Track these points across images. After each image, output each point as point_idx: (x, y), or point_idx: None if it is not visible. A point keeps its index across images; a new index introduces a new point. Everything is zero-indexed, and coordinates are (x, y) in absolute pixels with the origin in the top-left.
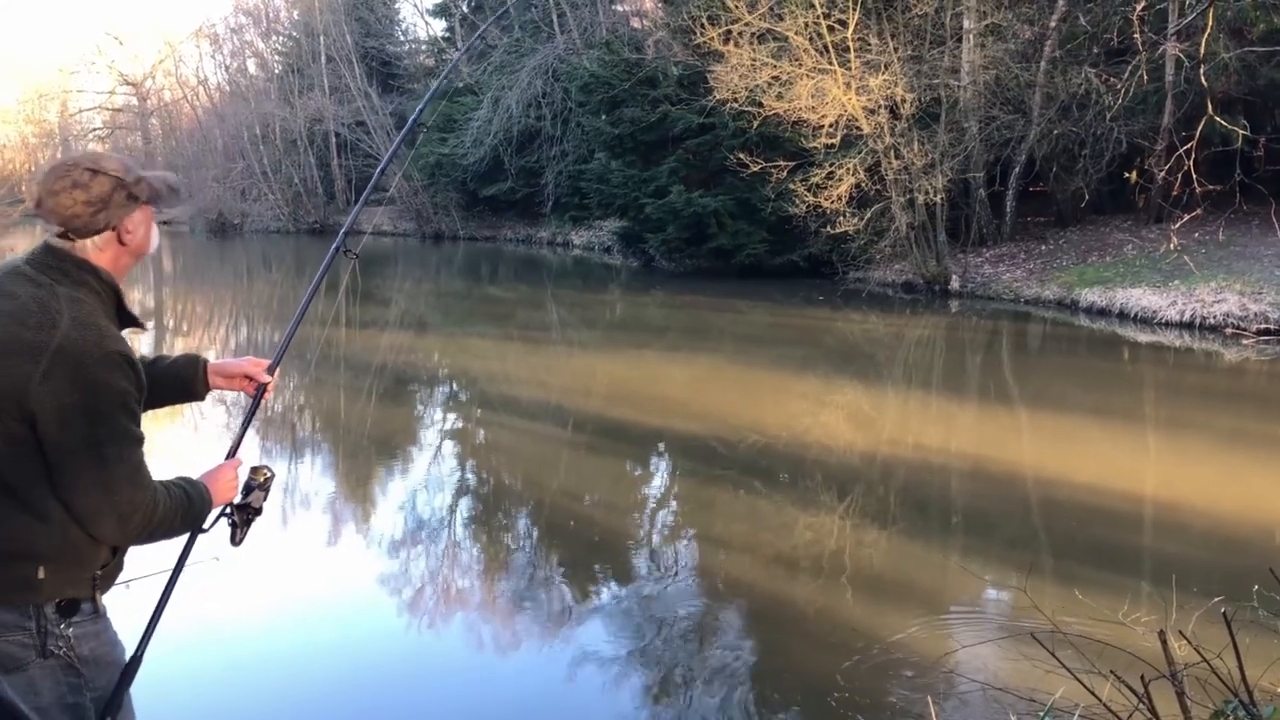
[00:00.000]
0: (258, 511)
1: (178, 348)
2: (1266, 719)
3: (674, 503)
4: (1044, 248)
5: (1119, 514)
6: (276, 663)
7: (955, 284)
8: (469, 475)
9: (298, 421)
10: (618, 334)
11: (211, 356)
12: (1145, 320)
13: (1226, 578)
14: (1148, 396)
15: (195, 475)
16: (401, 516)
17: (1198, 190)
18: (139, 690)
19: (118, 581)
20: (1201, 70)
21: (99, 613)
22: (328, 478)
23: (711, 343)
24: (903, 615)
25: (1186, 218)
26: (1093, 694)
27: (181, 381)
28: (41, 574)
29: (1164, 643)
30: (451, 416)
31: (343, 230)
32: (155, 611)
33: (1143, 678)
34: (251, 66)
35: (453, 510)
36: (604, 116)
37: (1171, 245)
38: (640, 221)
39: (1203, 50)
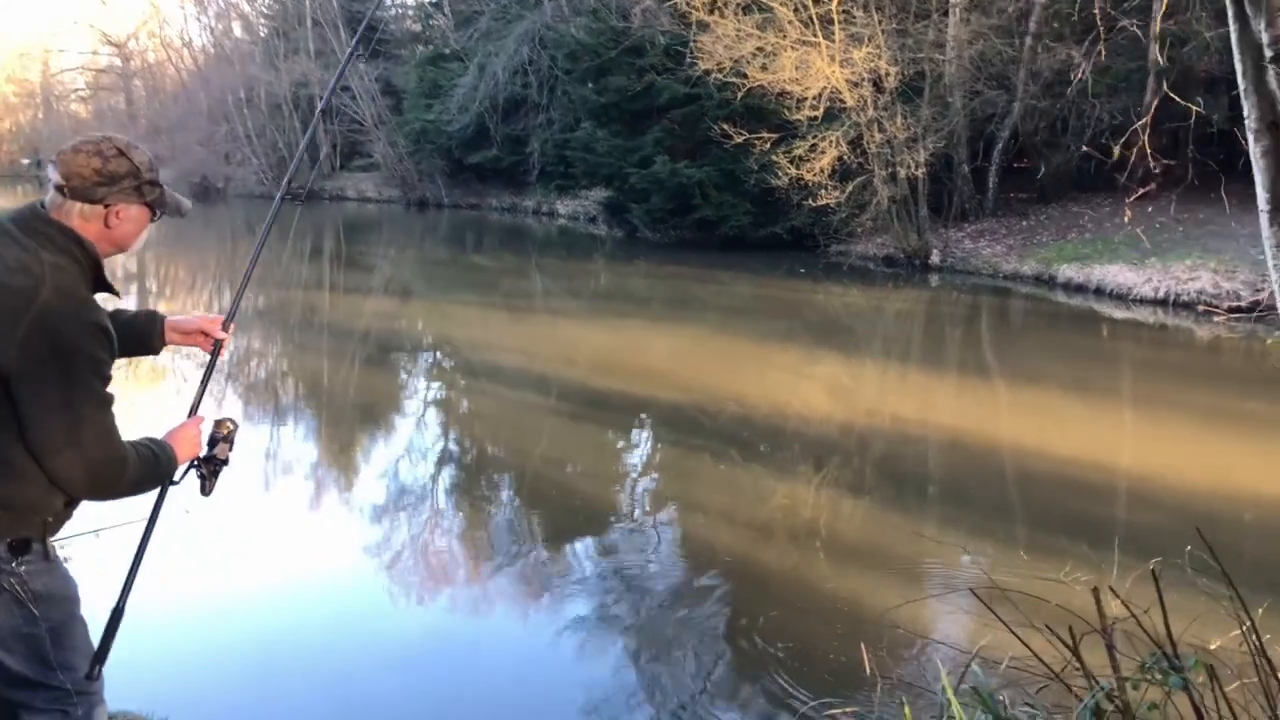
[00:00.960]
0: (224, 462)
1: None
2: (1189, 669)
3: (655, 472)
4: (1025, 223)
5: (1091, 485)
6: (254, 625)
7: (936, 258)
8: (451, 442)
9: (280, 386)
10: (602, 304)
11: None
12: (1120, 297)
13: (1182, 544)
14: (1124, 372)
15: (160, 434)
16: (383, 482)
17: (1156, 168)
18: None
19: (88, 531)
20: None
21: (48, 555)
22: (309, 442)
23: (694, 314)
24: (865, 579)
25: (1141, 191)
26: (1024, 644)
27: (140, 335)
28: None
29: (1097, 599)
30: (434, 384)
31: (286, 177)
32: (134, 563)
33: (1070, 629)
34: (237, 29)
35: (433, 476)
36: (590, 85)
37: (1125, 219)
38: (625, 191)
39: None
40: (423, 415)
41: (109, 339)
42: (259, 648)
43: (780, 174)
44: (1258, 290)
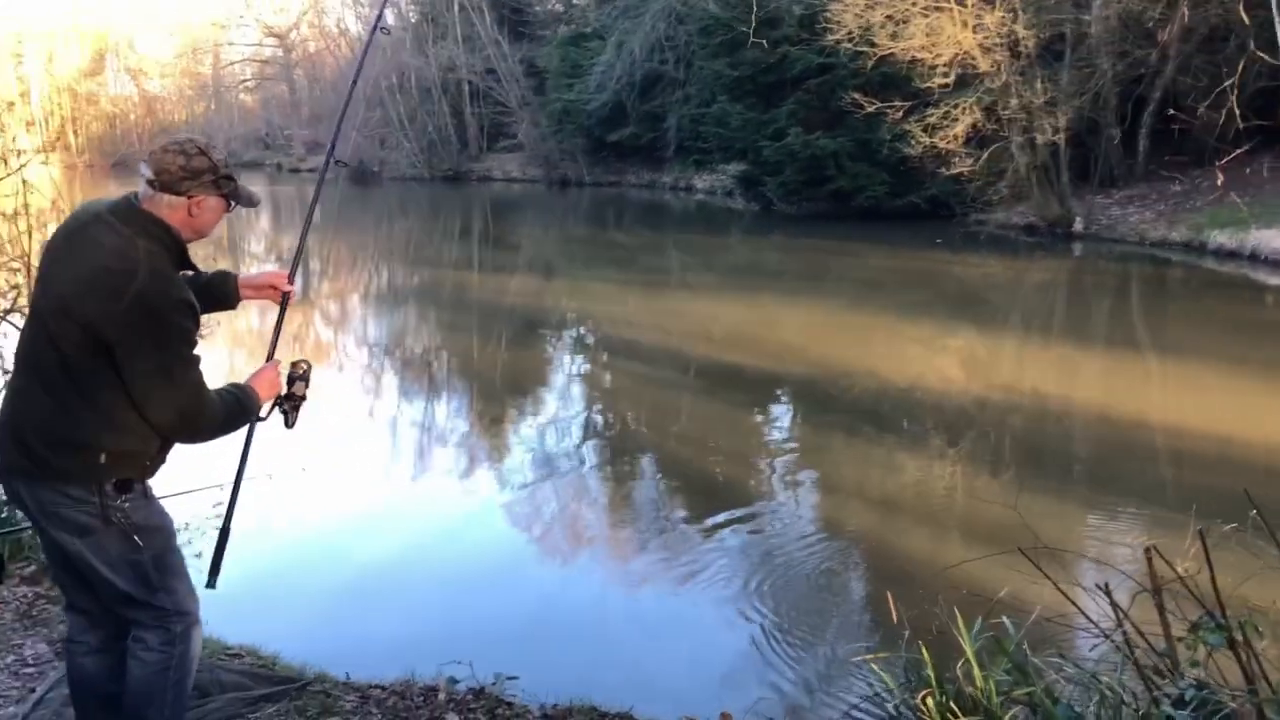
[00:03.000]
0: (303, 399)
1: (324, 289)
2: (1238, 629)
3: (787, 446)
4: (1177, 188)
5: (1255, 466)
6: (398, 581)
7: (1079, 226)
8: (590, 415)
9: (433, 360)
10: (736, 278)
11: (355, 296)
12: (1278, 263)
13: None
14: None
15: (242, 380)
16: (526, 451)
17: None
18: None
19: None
20: None
21: (147, 494)
22: (460, 415)
23: (829, 286)
24: (996, 564)
25: (1235, 153)
26: (1072, 601)
27: (219, 294)
28: (103, 459)
29: (1149, 560)
30: (575, 359)
31: (331, 140)
32: (233, 490)
33: (1106, 585)
34: (389, 16)
35: (573, 447)
36: (724, 59)
37: (1218, 183)
38: (759, 165)
39: None
40: (565, 389)
41: (194, 310)
42: (404, 606)
43: (914, 143)
44: None
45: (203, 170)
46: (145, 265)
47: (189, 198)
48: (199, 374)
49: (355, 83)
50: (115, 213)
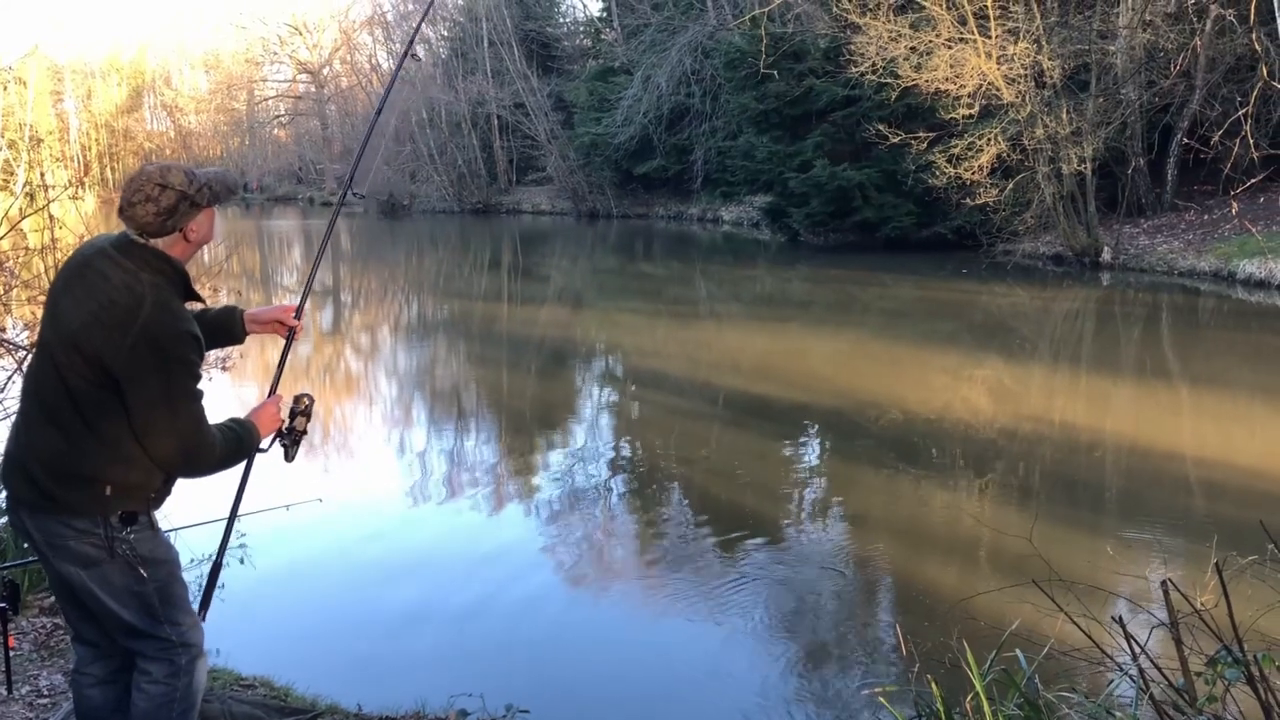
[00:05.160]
0: (303, 433)
1: (355, 321)
2: (1257, 664)
3: (814, 477)
4: (1206, 218)
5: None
6: (422, 610)
7: (1107, 256)
8: (619, 446)
9: (461, 392)
10: (764, 309)
11: (385, 327)
12: None
13: None
14: None
15: (243, 414)
16: (554, 481)
17: None
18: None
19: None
20: None
21: (153, 525)
22: (484, 445)
23: (855, 317)
24: (1026, 599)
25: (1251, 183)
26: (1088, 635)
27: (225, 329)
28: (108, 491)
29: (1166, 593)
30: (603, 390)
31: (345, 183)
32: (228, 523)
33: (1120, 618)
34: (419, 51)
35: (602, 477)
36: (750, 92)
37: (1233, 211)
38: (785, 196)
39: None
40: (592, 419)
41: (199, 343)
42: (420, 636)
43: (938, 173)
44: None
45: (176, 204)
46: (151, 298)
47: (180, 231)
48: (200, 409)
49: (379, 111)
50: (119, 247)
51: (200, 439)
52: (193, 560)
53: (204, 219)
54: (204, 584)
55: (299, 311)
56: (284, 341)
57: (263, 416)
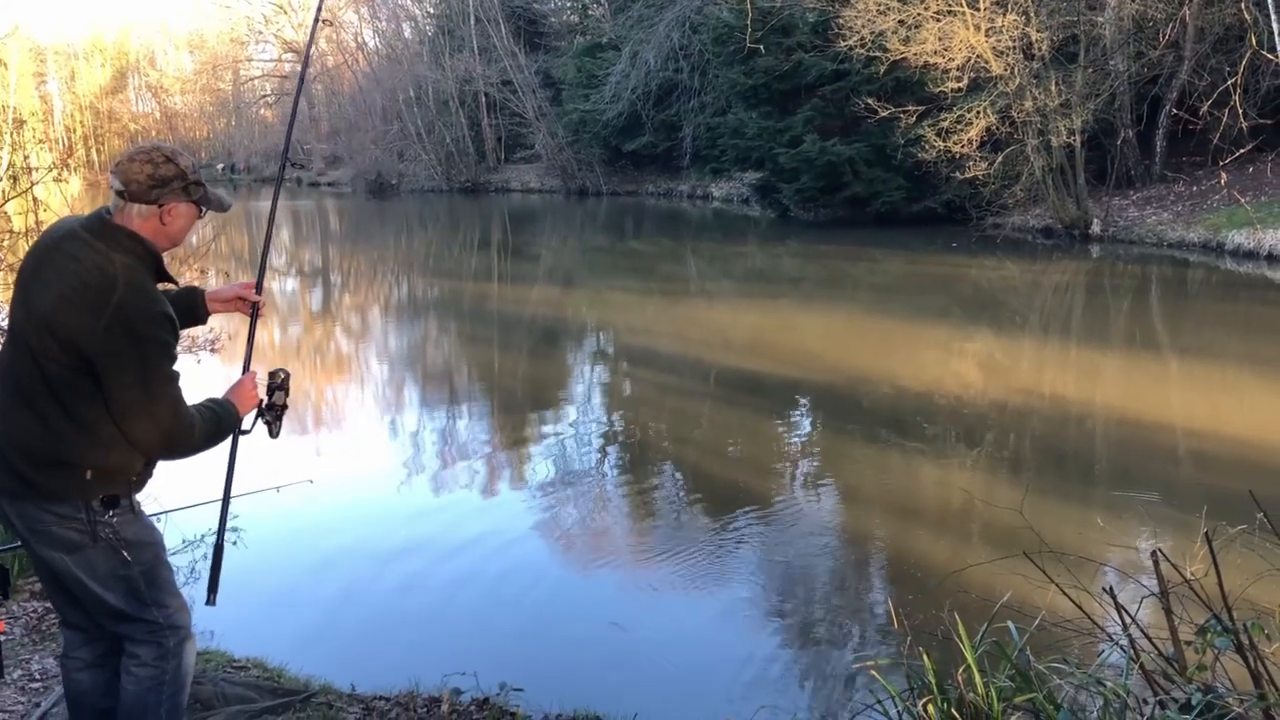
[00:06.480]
0: (284, 407)
1: (345, 302)
2: (1245, 631)
3: (806, 453)
4: (1195, 189)
5: (1270, 467)
6: (417, 587)
7: (1096, 228)
8: (610, 424)
9: (454, 372)
10: (754, 285)
11: (375, 308)
12: None
13: None
14: None
15: (220, 394)
16: (546, 459)
17: None
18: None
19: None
20: None
21: (134, 508)
22: (475, 424)
23: (846, 292)
24: (1020, 571)
25: (1240, 153)
26: (1078, 606)
27: (188, 309)
28: (88, 476)
29: (1156, 564)
30: (595, 368)
31: (280, 162)
32: (223, 504)
33: (1111, 589)
34: (406, 30)
35: (593, 456)
36: (739, 67)
37: (1220, 182)
38: (775, 172)
39: None
40: (583, 397)
41: (173, 324)
42: (412, 616)
43: (928, 147)
44: None
45: (171, 178)
46: (123, 279)
47: (159, 206)
48: (178, 389)
49: (305, 66)
50: (89, 229)
51: (178, 421)
52: (184, 543)
53: (185, 211)
54: (209, 568)
55: (259, 287)
56: (249, 319)
57: (240, 394)
